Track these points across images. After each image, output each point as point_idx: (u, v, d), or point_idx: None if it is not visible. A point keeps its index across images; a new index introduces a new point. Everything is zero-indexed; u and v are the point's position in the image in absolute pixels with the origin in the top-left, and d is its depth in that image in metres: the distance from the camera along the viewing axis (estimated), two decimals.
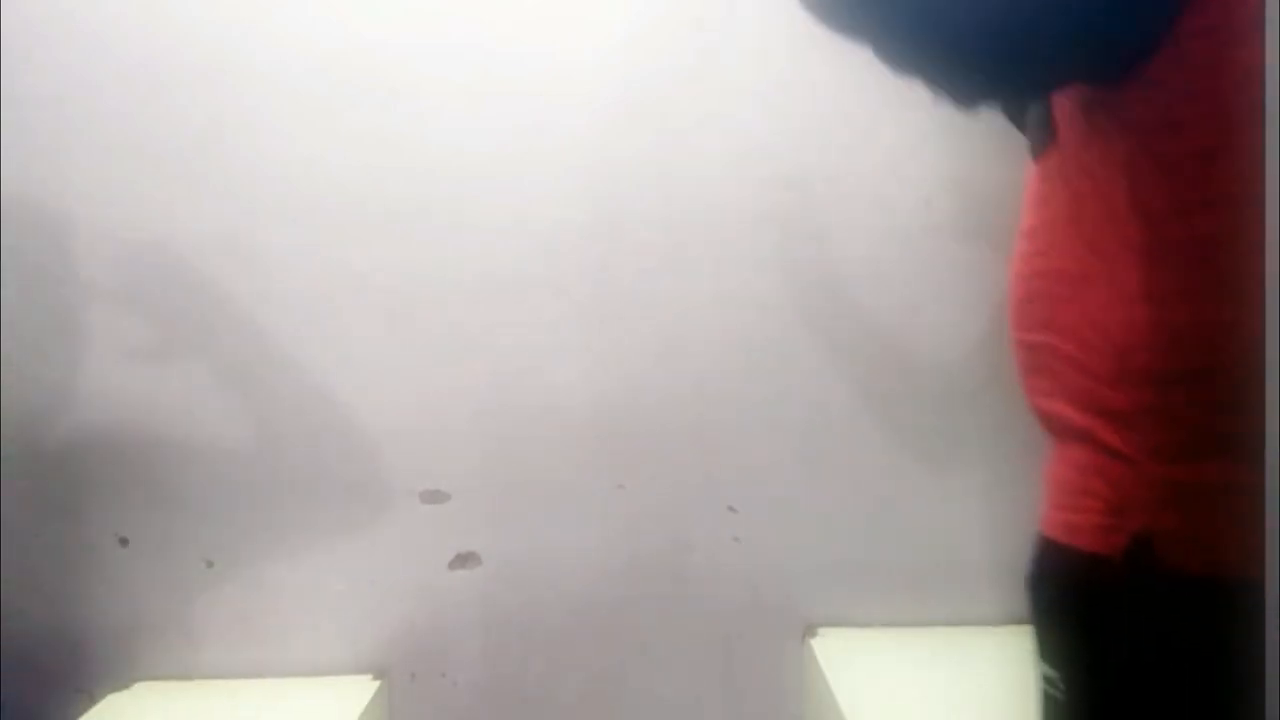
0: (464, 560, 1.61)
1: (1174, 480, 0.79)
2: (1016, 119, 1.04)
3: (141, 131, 1.52)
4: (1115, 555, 0.80)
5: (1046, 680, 0.86)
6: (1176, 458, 0.79)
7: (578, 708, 1.63)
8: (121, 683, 1.58)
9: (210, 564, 1.59)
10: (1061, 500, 0.87)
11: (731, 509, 1.61)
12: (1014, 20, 0.74)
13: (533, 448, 1.59)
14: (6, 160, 1.52)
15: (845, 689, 1.39)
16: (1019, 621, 0.92)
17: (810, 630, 1.61)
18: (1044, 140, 0.89)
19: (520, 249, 1.56)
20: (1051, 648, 0.86)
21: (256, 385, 1.57)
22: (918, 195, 1.55)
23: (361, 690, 1.54)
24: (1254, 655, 0.76)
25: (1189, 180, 0.76)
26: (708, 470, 1.61)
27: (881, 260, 1.57)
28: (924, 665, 1.48)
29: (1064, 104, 0.86)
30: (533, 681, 1.63)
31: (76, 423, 1.56)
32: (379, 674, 1.60)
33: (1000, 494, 1.58)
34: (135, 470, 1.57)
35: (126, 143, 1.53)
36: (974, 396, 1.58)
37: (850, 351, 1.58)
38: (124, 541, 1.58)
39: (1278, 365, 0.90)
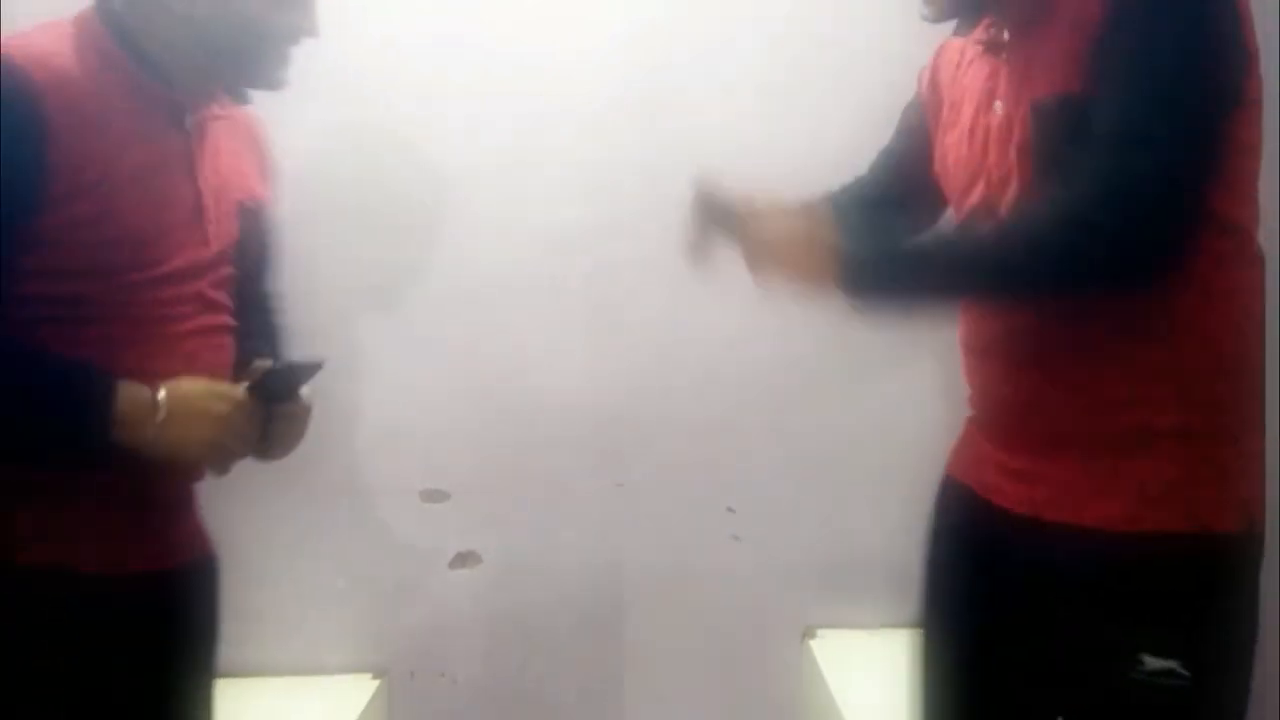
0: (464, 560, 1.61)
1: (1253, 452, 0.90)
2: None
3: None
4: (1236, 530, 0.87)
5: (1158, 674, 0.86)
6: (1253, 432, 0.90)
7: (577, 707, 1.63)
8: None
9: None
10: (1164, 495, 0.88)
11: (731, 509, 1.61)
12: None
13: (533, 447, 1.59)
14: None
15: (844, 690, 1.39)
16: None
17: (809, 631, 1.61)
18: None
19: (520, 249, 1.56)
20: (1172, 638, 0.86)
21: None
22: None
23: (361, 689, 1.54)
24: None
25: (1253, 199, 0.90)
26: (708, 470, 1.61)
27: None
28: None
29: None
30: (532, 681, 1.63)
31: None
32: (379, 673, 1.60)
33: None
34: None
35: None
36: None
37: (849, 353, 1.58)
38: None
39: (1279, 373, 0.94)
